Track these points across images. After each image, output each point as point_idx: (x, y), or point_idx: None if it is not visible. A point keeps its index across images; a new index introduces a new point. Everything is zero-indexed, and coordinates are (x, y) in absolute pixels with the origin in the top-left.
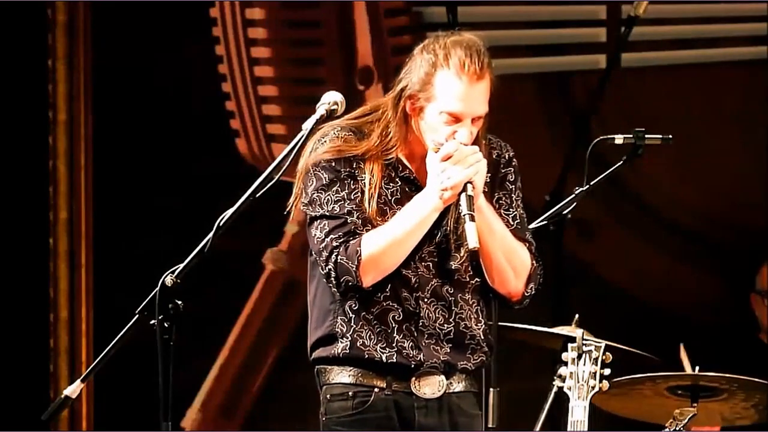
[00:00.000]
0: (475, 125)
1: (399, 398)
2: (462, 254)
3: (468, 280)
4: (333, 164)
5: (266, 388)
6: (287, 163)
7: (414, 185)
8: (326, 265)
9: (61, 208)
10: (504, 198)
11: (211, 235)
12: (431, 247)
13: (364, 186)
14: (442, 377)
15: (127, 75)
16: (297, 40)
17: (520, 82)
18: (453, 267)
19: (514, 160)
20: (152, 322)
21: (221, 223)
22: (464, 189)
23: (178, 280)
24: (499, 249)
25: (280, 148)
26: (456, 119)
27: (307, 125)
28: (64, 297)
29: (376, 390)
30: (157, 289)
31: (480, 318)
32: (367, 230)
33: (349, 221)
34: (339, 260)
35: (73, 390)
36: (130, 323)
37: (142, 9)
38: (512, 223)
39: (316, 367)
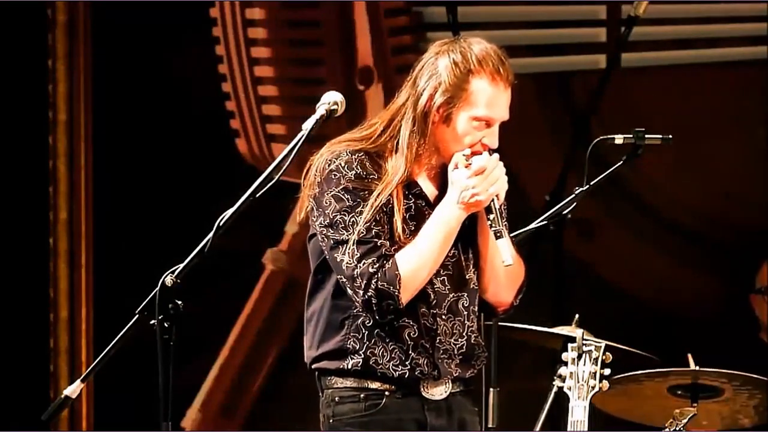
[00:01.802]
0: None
1: (410, 401)
2: (473, 263)
3: (475, 288)
4: (354, 187)
5: (266, 388)
6: (287, 163)
7: (424, 200)
8: (365, 293)
9: (61, 208)
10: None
11: (211, 235)
12: (444, 260)
13: (391, 209)
14: (449, 381)
15: (127, 75)
16: (297, 40)
17: (520, 82)
18: (467, 277)
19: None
20: (152, 322)
21: (221, 223)
22: (491, 203)
23: (178, 280)
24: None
25: (280, 148)
26: (487, 125)
27: (307, 125)
28: (64, 297)
29: (386, 393)
30: (157, 289)
31: (479, 322)
32: (395, 250)
33: (379, 244)
34: (380, 286)
35: (73, 390)
36: (130, 323)
37: (142, 9)
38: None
39: (318, 373)
